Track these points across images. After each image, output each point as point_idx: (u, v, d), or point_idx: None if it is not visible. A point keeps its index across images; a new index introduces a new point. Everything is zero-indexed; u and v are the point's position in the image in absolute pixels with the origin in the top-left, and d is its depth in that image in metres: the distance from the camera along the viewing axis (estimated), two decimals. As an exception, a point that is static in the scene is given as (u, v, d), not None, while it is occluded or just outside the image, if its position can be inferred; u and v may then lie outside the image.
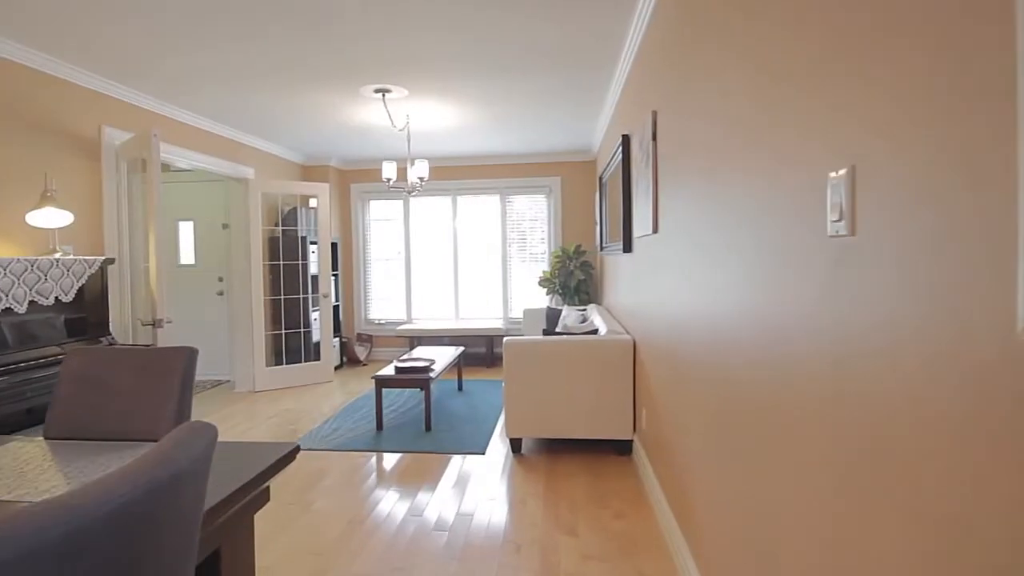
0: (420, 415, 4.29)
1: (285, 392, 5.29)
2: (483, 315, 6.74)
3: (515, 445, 3.45)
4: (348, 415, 4.38)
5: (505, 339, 3.40)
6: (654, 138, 2.55)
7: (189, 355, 1.64)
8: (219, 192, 5.82)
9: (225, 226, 5.81)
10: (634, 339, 3.28)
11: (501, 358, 6.34)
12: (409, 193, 4.53)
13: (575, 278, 5.68)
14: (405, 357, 4.41)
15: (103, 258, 3.15)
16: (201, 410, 4.66)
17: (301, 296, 5.68)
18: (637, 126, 3.07)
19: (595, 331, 3.55)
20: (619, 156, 3.55)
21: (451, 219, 6.70)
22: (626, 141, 3.42)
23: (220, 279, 5.87)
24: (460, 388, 5.15)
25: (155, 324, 3.21)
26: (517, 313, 6.66)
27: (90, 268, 3.05)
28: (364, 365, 6.55)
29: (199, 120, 4.56)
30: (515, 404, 3.36)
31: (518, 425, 3.37)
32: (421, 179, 4.45)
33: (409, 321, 6.83)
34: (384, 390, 4.88)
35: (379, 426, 3.99)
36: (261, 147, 5.52)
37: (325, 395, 5.14)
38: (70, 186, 3.41)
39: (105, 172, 3.63)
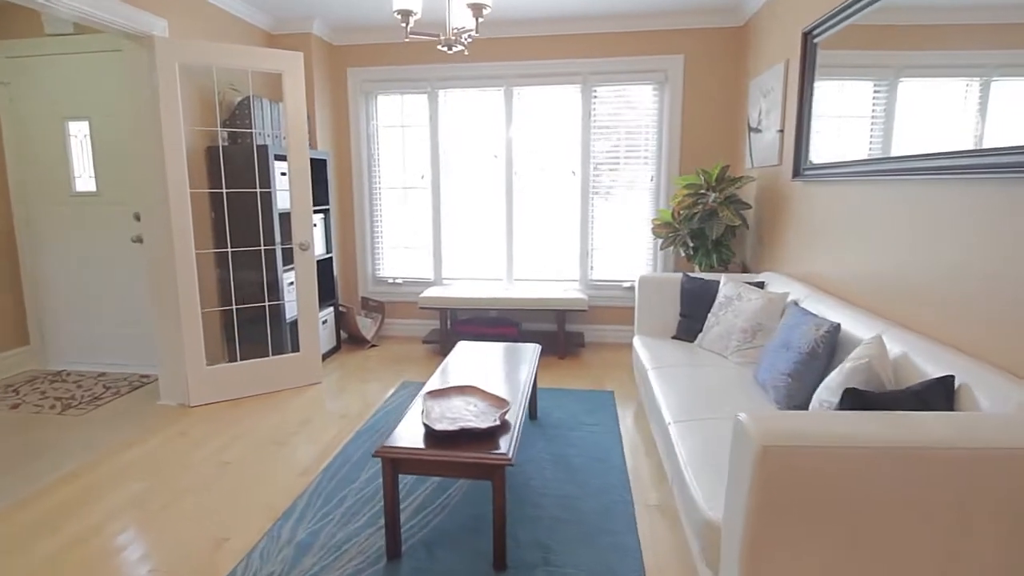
0: (471, 514, 2.15)
1: (239, 407, 3.19)
2: (550, 276, 4.49)
3: None
4: (338, 486, 2.26)
5: (742, 419, 1.17)
6: None
7: None
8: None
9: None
10: None
11: (577, 343, 4.14)
12: (449, 49, 2.18)
13: (719, 224, 3.36)
14: (435, 391, 2.19)
15: None
16: (80, 454, 2.59)
17: (263, 247, 3.46)
18: None
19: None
20: None
21: (504, 125, 4.32)
22: None
23: (137, 217, 3.66)
24: (533, 415, 3.00)
25: None
26: (602, 274, 4.40)
27: None
28: (372, 347, 4.42)
29: None
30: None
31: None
32: (466, 29, 2.08)
33: (438, 282, 4.62)
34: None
35: (392, 551, 1.87)
36: (180, -17, 3.12)
37: (308, 416, 3.03)
38: None
39: None
